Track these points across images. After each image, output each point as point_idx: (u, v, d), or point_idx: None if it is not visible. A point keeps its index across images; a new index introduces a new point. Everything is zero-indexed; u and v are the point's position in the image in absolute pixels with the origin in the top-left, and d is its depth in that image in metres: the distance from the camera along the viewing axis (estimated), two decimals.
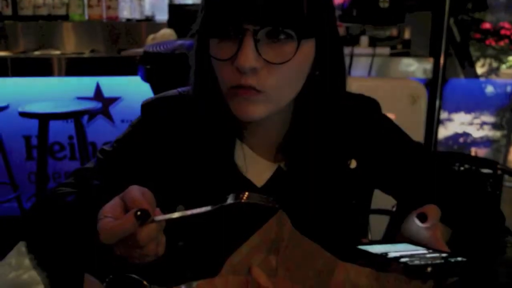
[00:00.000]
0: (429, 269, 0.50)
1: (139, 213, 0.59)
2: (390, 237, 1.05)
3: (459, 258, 0.54)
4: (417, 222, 0.62)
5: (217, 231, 0.86)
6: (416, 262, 0.52)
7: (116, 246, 0.61)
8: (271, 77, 0.73)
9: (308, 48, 0.75)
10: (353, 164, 0.88)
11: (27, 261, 0.77)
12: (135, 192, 0.64)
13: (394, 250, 0.58)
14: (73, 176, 0.89)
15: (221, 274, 0.64)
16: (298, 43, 0.71)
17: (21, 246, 0.81)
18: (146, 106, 0.90)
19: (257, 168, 0.87)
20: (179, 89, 0.91)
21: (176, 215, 0.63)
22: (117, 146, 0.90)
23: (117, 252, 0.62)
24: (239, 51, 0.70)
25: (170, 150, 0.87)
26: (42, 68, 2.76)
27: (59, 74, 2.77)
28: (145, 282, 0.69)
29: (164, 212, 0.81)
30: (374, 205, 0.99)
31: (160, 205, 0.88)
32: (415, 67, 2.56)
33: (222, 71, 0.75)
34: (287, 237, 0.66)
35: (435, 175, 0.92)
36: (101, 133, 2.95)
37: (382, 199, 1.06)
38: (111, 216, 0.61)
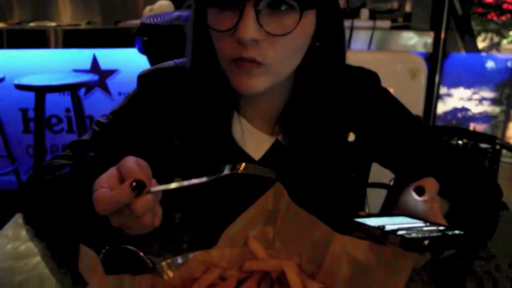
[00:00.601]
0: (426, 242, 0.50)
1: (134, 183, 0.58)
2: (387, 211, 1.05)
3: (457, 231, 0.53)
4: (415, 195, 0.62)
5: (214, 203, 0.86)
6: (413, 235, 0.52)
7: (111, 217, 0.61)
8: (272, 48, 0.72)
9: (309, 19, 0.74)
10: (351, 137, 0.88)
11: (24, 233, 0.77)
12: (131, 162, 0.63)
13: (391, 223, 0.58)
14: (69, 148, 0.88)
15: (217, 246, 0.64)
16: (300, 14, 0.70)
17: (18, 218, 0.81)
18: (142, 77, 0.89)
19: (255, 141, 0.87)
20: (176, 61, 0.89)
21: (172, 185, 0.63)
22: (113, 118, 0.89)
23: (113, 223, 0.62)
24: (239, 22, 0.68)
25: (166, 122, 0.87)
26: (37, 40, 2.73)
27: (55, 46, 2.73)
28: (141, 253, 0.69)
29: (161, 184, 0.81)
30: (371, 178, 0.99)
31: (157, 177, 0.88)
32: (416, 41, 2.53)
33: (221, 43, 0.73)
34: (284, 209, 0.66)
35: (433, 149, 0.91)
36: (99, 106, 2.93)
37: (379, 173, 1.06)
38: (107, 187, 0.60)
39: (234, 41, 0.71)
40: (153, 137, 0.87)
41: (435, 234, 0.52)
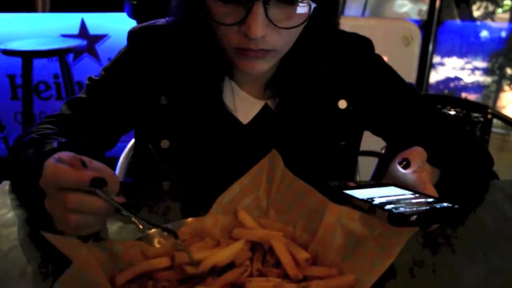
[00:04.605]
0: (413, 217, 0.50)
1: (97, 178, 0.52)
2: (378, 180, 1.05)
3: (445, 204, 0.53)
4: (400, 168, 0.61)
5: (206, 170, 0.85)
6: (401, 209, 0.51)
7: (50, 195, 0.55)
8: (280, 37, 0.71)
9: None
10: (342, 104, 0.87)
11: (10, 201, 0.76)
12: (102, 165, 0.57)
13: (380, 194, 0.57)
14: (66, 105, 0.88)
15: (210, 212, 0.64)
16: (309, 8, 0.69)
17: (5, 186, 0.80)
18: (133, 34, 0.88)
19: (244, 105, 0.86)
20: (168, 19, 0.87)
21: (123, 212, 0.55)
22: (104, 74, 0.88)
23: (47, 205, 0.56)
24: (249, 19, 0.66)
25: (155, 81, 0.85)
26: (24, 3, 2.65)
27: (43, 10, 2.66)
28: (133, 219, 0.69)
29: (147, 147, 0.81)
30: (363, 146, 0.99)
31: (146, 137, 0.87)
32: (410, 8, 2.50)
33: (225, 33, 0.71)
34: (279, 177, 0.65)
35: (425, 117, 0.90)
36: (88, 72, 2.87)
37: (371, 141, 1.06)
38: (64, 159, 0.55)
39: (239, 32, 0.69)
40: (141, 95, 0.86)
41: (423, 207, 0.52)
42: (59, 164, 0.53)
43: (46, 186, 0.55)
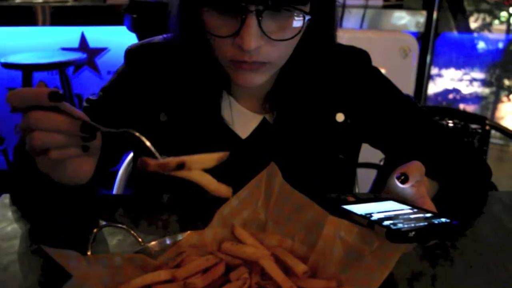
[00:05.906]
0: (411, 234, 0.50)
1: (54, 92, 0.53)
2: (376, 192, 1.05)
3: (443, 219, 0.53)
4: (398, 183, 0.61)
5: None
6: (399, 225, 0.51)
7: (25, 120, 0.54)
8: (275, 49, 0.71)
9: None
10: (340, 117, 0.87)
11: (10, 214, 0.76)
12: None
13: (378, 210, 0.57)
14: None
15: (210, 225, 0.64)
16: (303, 20, 0.69)
17: (5, 199, 0.80)
18: (130, 52, 0.88)
19: (242, 120, 0.86)
20: (165, 35, 0.88)
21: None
22: (102, 94, 0.88)
23: (27, 143, 0.55)
24: (242, 31, 0.67)
25: (154, 98, 0.86)
26: (24, 16, 2.67)
27: (43, 24, 2.68)
28: (132, 232, 0.69)
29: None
30: (362, 158, 0.99)
31: (145, 153, 0.87)
32: (408, 20, 2.52)
33: (220, 45, 0.72)
34: (277, 189, 0.66)
35: (423, 129, 0.91)
36: (87, 85, 2.89)
37: (370, 153, 1.06)
38: None
39: (234, 44, 0.70)
40: (141, 113, 0.86)
41: (422, 223, 0.52)
42: (15, 90, 0.54)
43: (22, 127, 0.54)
